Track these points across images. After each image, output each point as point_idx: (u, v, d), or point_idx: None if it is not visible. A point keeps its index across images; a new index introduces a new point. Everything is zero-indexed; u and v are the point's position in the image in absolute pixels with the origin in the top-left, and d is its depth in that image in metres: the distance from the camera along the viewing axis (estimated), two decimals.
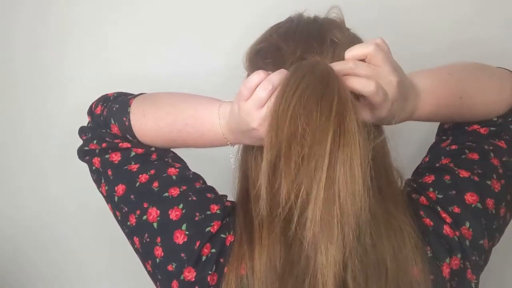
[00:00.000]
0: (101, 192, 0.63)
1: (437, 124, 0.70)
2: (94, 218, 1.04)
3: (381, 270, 0.53)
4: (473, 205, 0.57)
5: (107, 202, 0.62)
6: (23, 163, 1.07)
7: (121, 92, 0.67)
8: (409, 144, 0.92)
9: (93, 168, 0.63)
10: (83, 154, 0.64)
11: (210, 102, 0.59)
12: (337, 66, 0.50)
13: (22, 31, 1.00)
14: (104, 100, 0.66)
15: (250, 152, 0.59)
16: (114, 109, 0.63)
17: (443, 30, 0.96)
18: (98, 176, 0.62)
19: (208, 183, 0.63)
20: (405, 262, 0.54)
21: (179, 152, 0.66)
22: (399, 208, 0.56)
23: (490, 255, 0.60)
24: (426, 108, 0.58)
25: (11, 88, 1.03)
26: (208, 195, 0.60)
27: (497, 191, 0.58)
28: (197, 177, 0.63)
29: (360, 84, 0.49)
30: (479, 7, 0.95)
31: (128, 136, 0.62)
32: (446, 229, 0.56)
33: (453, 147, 0.63)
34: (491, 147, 0.61)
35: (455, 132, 0.66)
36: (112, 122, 0.62)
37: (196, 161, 0.67)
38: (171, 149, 0.65)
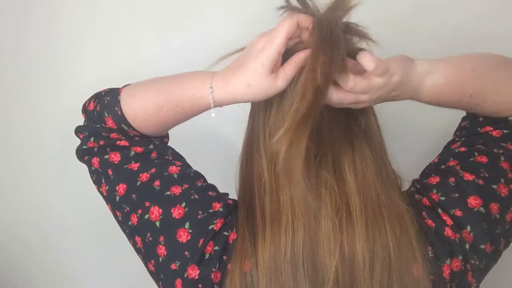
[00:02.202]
0: (101, 192, 0.62)
1: (450, 131, 0.68)
2: (94, 217, 1.04)
3: (385, 258, 0.54)
4: (476, 209, 0.56)
5: (107, 203, 0.62)
6: (25, 164, 1.06)
7: (113, 88, 0.65)
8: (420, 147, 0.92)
9: (93, 168, 0.62)
10: (82, 153, 0.63)
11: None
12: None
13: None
14: (97, 96, 0.65)
15: (256, 148, 0.58)
16: (106, 101, 0.62)
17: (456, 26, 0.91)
18: (98, 177, 0.62)
19: (209, 182, 0.63)
20: (406, 253, 0.54)
21: (179, 150, 0.64)
22: (400, 196, 0.57)
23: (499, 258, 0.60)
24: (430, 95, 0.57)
25: (7, 89, 1.01)
26: (210, 193, 0.60)
27: (504, 195, 0.57)
28: (198, 175, 0.63)
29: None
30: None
31: (123, 126, 0.61)
32: (447, 231, 0.56)
33: (462, 149, 0.61)
34: (501, 151, 0.59)
35: (468, 132, 0.64)
36: (106, 115, 0.61)
37: (196, 160, 0.66)
38: (170, 146, 0.65)
